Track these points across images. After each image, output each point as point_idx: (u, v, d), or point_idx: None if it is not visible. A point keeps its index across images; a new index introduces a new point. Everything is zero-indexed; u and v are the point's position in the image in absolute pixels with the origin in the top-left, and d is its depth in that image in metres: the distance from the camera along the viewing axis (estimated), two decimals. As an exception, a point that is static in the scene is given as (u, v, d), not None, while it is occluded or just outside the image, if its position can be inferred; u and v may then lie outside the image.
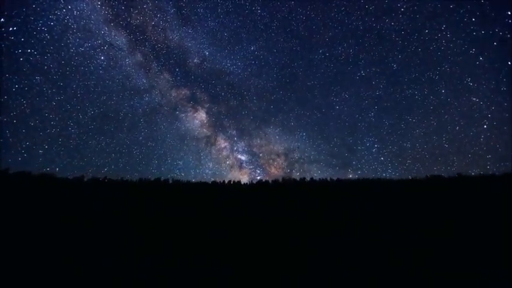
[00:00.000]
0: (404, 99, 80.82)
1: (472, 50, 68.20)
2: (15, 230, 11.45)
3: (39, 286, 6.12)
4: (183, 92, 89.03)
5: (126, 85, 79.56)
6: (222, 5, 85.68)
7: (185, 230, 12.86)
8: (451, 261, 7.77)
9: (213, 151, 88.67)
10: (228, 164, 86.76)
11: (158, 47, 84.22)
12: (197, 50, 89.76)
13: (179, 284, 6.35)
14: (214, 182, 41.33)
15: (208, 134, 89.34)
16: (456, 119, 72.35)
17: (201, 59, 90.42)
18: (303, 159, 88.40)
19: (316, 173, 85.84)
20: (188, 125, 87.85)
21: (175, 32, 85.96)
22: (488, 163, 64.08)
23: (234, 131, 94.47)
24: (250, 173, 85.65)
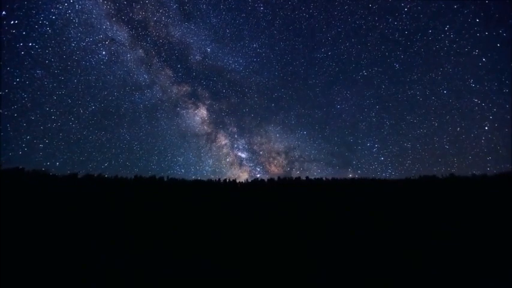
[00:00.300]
0: (406, 100, 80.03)
1: (475, 51, 67.06)
2: (6, 229, 11.63)
3: (30, 285, 6.22)
4: (184, 89, 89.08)
5: (127, 80, 79.74)
6: (224, 1, 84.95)
7: (179, 228, 12.96)
8: (454, 262, 7.74)
9: (213, 148, 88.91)
10: (228, 161, 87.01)
11: (160, 42, 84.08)
12: (199, 47, 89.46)
13: (170, 283, 6.40)
14: (209, 180, 41.54)
15: (209, 131, 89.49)
16: (457, 120, 71.54)
17: (202, 55, 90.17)
18: (303, 157, 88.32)
19: (316, 172, 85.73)
20: (189, 121, 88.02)
21: (177, 28, 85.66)
22: (489, 165, 63.46)
23: (235, 129, 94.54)
24: (250, 171, 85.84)
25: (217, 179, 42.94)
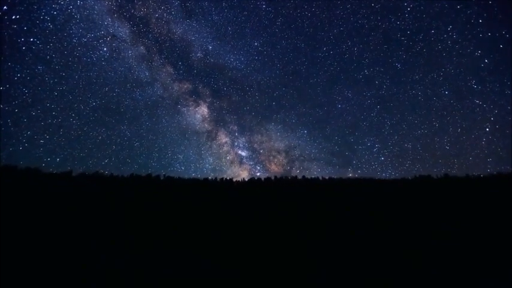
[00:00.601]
0: (407, 100, 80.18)
1: (478, 52, 67.16)
2: (5, 229, 11.58)
3: (28, 285, 6.16)
4: (185, 86, 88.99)
5: (129, 77, 79.65)
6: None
7: (174, 227, 12.93)
8: (454, 262, 7.71)
9: (214, 146, 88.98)
10: (229, 159, 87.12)
11: (161, 39, 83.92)
12: (200, 44, 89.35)
13: (170, 283, 6.36)
14: (205, 179, 41.55)
15: (209, 128, 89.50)
16: (458, 121, 71.74)
17: (204, 53, 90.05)
18: (303, 156, 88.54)
19: (316, 171, 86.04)
20: (189, 119, 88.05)
21: (178, 25, 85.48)
22: (489, 166, 63.60)
23: (235, 127, 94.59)
24: (250, 169, 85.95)
25: (213, 178, 43.00)
